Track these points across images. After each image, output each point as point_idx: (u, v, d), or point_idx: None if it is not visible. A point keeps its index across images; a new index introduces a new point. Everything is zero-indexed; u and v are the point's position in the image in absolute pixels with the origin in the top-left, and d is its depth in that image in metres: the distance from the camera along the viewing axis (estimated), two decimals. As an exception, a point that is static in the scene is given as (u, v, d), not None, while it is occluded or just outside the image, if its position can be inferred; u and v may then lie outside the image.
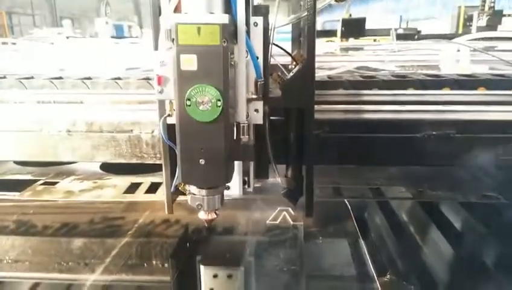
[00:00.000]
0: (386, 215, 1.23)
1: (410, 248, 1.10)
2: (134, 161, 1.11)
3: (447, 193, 1.25)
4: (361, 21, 6.09)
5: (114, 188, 1.33)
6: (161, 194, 1.25)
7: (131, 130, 1.09)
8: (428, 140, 1.00)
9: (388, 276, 0.97)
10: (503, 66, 1.69)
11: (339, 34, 5.87)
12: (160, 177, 1.37)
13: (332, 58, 2.36)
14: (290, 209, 1.09)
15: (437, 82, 1.15)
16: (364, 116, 0.98)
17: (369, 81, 1.16)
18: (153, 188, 1.30)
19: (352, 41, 5.40)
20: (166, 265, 0.93)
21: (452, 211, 1.24)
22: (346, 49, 3.75)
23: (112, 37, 4.98)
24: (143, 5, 10.51)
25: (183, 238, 1.03)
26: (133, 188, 1.32)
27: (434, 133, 0.99)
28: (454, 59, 1.83)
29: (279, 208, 1.10)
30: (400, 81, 1.16)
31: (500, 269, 0.97)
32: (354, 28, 5.92)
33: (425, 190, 1.27)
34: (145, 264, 0.93)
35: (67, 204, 1.23)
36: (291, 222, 1.06)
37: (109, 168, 1.47)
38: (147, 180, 1.37)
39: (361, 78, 1.23)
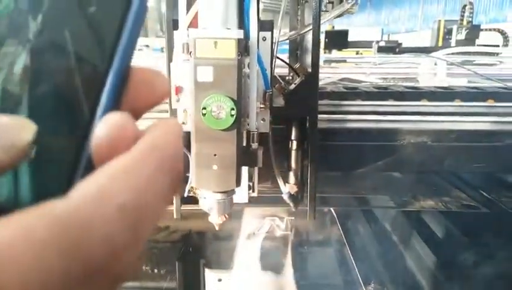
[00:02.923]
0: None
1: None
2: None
3: (427, 202, 1.30)
4: (344, 33, 6.23)
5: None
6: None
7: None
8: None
9: (372, 285, 1.01)
10: (480, 79, 1.77)
11: (322, 45, 5.99)
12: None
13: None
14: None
15: (416, 94, 1.20)
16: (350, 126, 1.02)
17: (353, 92, 1.21)
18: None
19: (335, 54, 5.51)
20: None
21: (433, 220, 1.29)
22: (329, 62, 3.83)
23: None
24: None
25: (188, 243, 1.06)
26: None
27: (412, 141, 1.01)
28: (432, 72, 1.91)
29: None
30: (381, 93, 1.21)
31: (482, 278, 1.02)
32: (337, 40, 6.05)
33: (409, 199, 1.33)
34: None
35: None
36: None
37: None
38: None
39: (344, 90, 1.29)
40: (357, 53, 6.00)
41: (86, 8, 0.20)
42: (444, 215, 1.27)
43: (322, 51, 5.78)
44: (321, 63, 3.42)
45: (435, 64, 1.82)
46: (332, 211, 1.24)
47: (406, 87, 1.26)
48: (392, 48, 5.41)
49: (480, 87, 1.20)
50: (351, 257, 1.07)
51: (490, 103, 1.03)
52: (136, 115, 0.22)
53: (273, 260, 0.99)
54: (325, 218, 1.22)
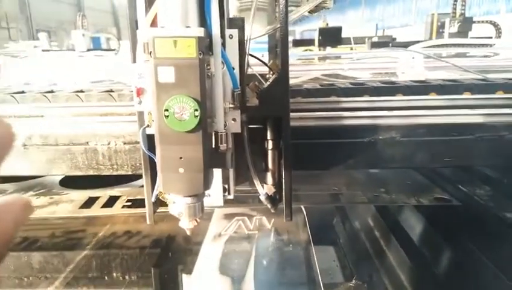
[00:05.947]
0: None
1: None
2: (91, 172, 1.07)
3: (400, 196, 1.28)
4: (338, 30, 6.22)
5: (70, 203, 1.28)
6: (118, 208, 1.24)
7: (87, 142, 1.04)
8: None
9: (354, 281, 0.99)
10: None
11: (316, 42, 5.97)
12: (117, 191, 1.35)
13: (297, 67, 2.37)
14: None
15: (391, 88, 1.17)
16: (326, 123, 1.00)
17: (327, 89, 1.18)
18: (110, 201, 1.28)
19: (329, 50, 5.49)
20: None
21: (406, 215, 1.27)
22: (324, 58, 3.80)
23: (89, 49, 4.92)
24: (122, 17, 10.47)
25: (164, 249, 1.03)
26: (89, 202, 1.28)
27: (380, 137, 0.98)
28: (410, 66, 1.90)
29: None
30: (357, 88, 1.18)
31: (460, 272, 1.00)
32: (331, 36, 6.04)
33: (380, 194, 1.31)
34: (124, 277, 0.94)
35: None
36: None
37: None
38: (105, 193, 1.34)
39: (319, 86, 1.26)
40: (352, 49, 5.98)
41: None
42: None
43: (316, 48, 5.77)
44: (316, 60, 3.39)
45: (413, 58, 1.81)
46: (303, 208, 1.22)
47: (382, 82, 1.23)
48: (385, 43, 5.39)
49: (456, 80, 1.18)
50: (315, 257, 1.05)
51: (466, 95, 1.01)
52: None
53: (236, 261, 0.97)
54: (296, 216, 1.20)
